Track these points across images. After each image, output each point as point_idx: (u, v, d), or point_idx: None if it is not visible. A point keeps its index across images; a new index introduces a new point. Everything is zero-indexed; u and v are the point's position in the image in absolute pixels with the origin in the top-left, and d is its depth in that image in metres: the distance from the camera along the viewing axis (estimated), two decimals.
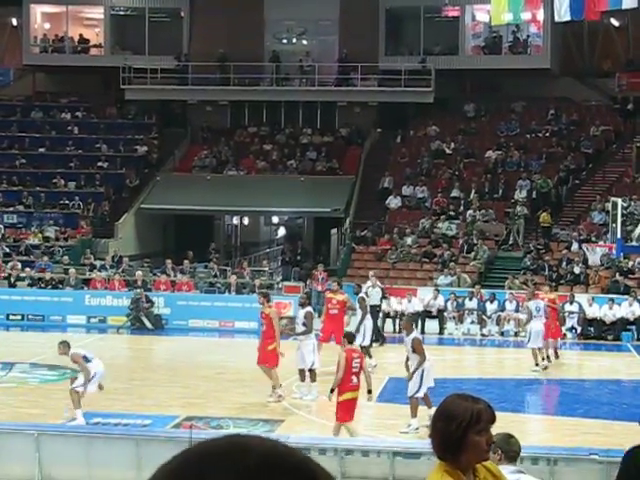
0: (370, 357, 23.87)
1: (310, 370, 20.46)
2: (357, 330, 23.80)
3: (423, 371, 17.66)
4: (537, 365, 24.55)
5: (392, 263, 36.00)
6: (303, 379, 20.71)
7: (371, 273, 30.33)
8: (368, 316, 24.46)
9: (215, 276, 34.90)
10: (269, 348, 20.00)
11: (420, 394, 17.60)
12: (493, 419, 4.40)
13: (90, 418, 18.12)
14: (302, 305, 21.29)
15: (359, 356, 16.53)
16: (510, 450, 6.92)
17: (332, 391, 16.21)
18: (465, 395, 4.43)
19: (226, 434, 1.41)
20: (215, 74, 44.36)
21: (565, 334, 30.57)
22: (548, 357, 25.28)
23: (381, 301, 29.01)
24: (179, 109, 46.86)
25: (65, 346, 18.06)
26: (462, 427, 4.16)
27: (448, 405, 4.31)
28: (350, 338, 16.92)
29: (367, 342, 24.12)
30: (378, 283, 29.15)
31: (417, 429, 17.19)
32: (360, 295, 25.13)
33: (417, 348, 17.63)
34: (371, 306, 25.95)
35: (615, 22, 44.60)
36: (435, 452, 4.33)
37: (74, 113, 46.10)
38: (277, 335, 20.08)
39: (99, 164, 43.20)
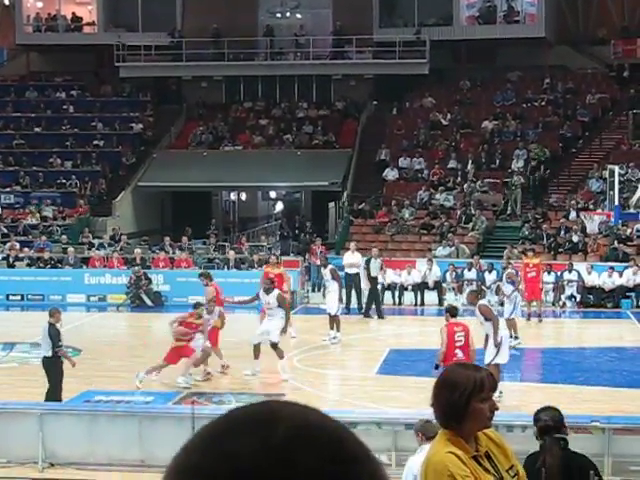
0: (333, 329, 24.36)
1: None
2: (341, 300, 24.79)
3: (502, 338, 17.28)
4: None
5: (390, 235, 36.01)
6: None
7: (352, 244, 30.43)
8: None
9: (214, 251, 34.95)
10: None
11: (504, 360, 17.36)
12: (495, 387, 4.43)
13: (92, 396, 18.16)
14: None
15: (462, 329, 15.99)
16: (429, 432, 7.89)
17: (437, 367, 15.32)
18: (467, 364, 4.47)
19: (260, 401, 1.31)
20: (209, 50, 44.21)
21: (565, 302, 30.70)
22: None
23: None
24: (174, 85, 46.71)
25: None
26: (465, 395, 4.18)
27: (451, 374, 4.33)
28: (453, 312, 16.39)
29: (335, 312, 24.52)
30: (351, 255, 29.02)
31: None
32: (330, 267, 25.28)
33: (487, 313, 17.25)
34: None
35: None
36: (438, 421, 4.36)
37: (69, 92, 45.94)
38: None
39: (95, 142, 43.11)
